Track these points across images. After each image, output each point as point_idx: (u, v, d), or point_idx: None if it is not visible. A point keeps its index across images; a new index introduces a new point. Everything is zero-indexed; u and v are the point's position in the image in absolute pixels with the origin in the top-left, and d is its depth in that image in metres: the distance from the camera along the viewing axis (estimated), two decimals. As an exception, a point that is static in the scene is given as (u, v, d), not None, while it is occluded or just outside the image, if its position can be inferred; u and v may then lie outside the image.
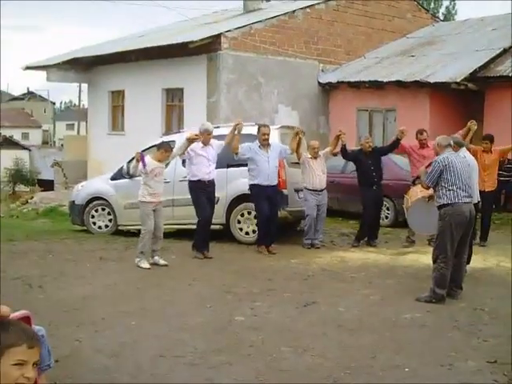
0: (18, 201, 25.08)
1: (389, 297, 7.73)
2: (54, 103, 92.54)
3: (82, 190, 13.47)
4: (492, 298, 7.66)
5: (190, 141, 9.86)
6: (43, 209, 20.26)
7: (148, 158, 9.50)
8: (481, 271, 9.27)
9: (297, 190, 11.62)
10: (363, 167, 11.53)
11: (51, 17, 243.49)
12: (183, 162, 10.95)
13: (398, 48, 21.23)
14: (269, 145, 10.68)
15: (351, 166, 13.72)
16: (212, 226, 10.64)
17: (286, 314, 6.91)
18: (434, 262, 7.49)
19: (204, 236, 10.28)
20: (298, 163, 11.45)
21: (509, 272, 9.07)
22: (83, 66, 22.64)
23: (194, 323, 6.53)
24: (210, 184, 10.29)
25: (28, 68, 23.87)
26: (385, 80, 18.26)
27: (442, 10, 43.90)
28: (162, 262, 9.58)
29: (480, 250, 10.50)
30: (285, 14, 19.70)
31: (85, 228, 13.13)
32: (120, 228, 12.74)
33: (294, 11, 19.87)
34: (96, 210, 12.98)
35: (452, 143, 7.85)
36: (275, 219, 10.72)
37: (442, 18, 37.54)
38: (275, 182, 10.71)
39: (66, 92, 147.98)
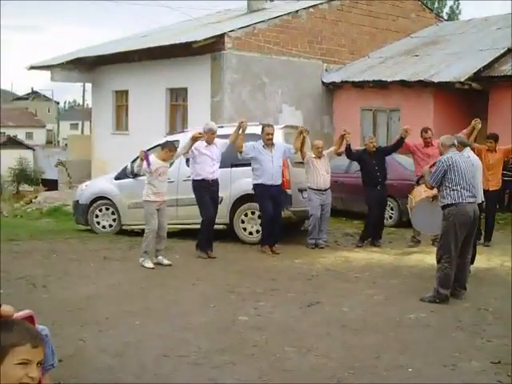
0: (21, 200, 25.14)
1: (393, 297, 7.72)
2: (58, 103, 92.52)
3: (86, 190, 13.47)
4: (496, 298, 7.66)
5: (194, 139, 9.87)
6: (47, 208, 20.31)
7: (152, 157, 9.51)
8: (485, 271, 9.26)
9: (301, 190, 11.61)
10: (367, 167, 11.52)
11: (52, 17, 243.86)
12: (187, 161, 10.96)
13: (402, 48, 21.20)
14: (273, 144, 10.68)
15: (355, 165, 13.70)
16: (216, 226, 10.65)
17: (290, 314, 6.91)
18: (438, 262, 7.48)
19: (208, 236, 10.28)
20: (301, 163, 11.45)
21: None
22: (87, 66, 22.67)
23: (198, 323, 6.53)
24: (214, 183, 10.30)
25: (32, 68, 23.92)
26: (389, 80, 18.25)
27: (446, 9, 43.83)
28: (165, 261, 9.58)
29: (484, 250, 10.48)
30: (288, 13, 19.70)
31: (89, 227, 13.15)
32: (124, 228, 12.75)
33: (297, 11, 19.86)
34: (100, 210, 12.99)
35: (456, 143, 7.84)
36: (279, 219, 10.72)
37: (446, 17, 37.48)
38: (279, 182, 10.71)
39: (70, 92, 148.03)
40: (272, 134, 10.66)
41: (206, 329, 6.34)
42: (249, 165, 10.88)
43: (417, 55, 19.96)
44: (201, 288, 8.17)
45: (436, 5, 42.05)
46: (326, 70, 20.32)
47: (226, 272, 9.17)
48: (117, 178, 12.86)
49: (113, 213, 12.88)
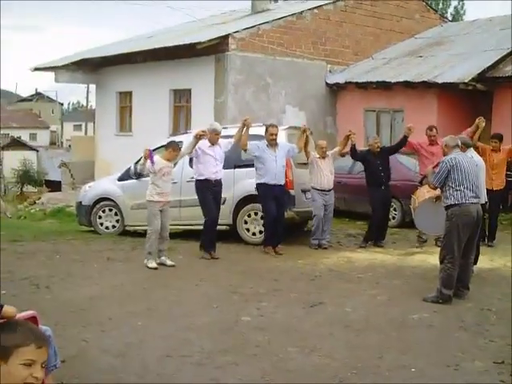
0: (25, 201, 25.22)
1: (396, 297, 7.71)
2: (62, 104, 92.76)
3: (90, 191, 13.49)
4: (499, 298, 7.64)
5: (198, 138, 9.88)
6: (51, 209, 20.33)
7: (156, 158, 9.52)
8: (488, 271, 9.25)
9: (304, 191, 11.62)
10: (372, 167, 11.51)
11: (52, 17, 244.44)
12: (190, 161, 10.97)
13: (406, 48, 21.20)
14: (276, 144, 10.69)
15: (358, 166, 13.71)
16: (219, 227, 10.65)
17: (293, 315, 6.90)
18: (441, 262, 7.47)
19: (211, 236, 10.28)
20: (305, 164, 11.45)
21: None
22: (91, 67, 22.73)
23: (201, 323, 6.53)
24: (217, 183, 10.31)
25: (36, 69, 23.99)
26: (392, 80, 18.25)
27: (451, 10, 43.84)
28: (168, 262, 9.58)
29: (487, 251, 10.48)
30: (293, 14, 19.72)
31: (92, 229, 13.17)
32: (127, 228, 12.77)
33: (301, 12, 19.88)
34: (103, 211, 13.01)
35: (459, 143, 7.84)
36: (282, 219, 10.71)
37: (450, 18, 37.47)
38: (282, 182, 10.70)
39: (74, 93, 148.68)
40: (276, 134, 10.66)
41: (208, 329, 6.34)
42: (252, 166, 10.88)
43: (421, 56, 19.95)
44: (204, 288, 8.17)
45: (440, 5, 42.06)
46: (330, 71, 20.34)
47: (229, 272, 9.17)
48: (120, 179, 12.87)
49: (116, 214, 12.90)
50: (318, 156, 11.30)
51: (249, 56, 18.48)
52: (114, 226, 12.94)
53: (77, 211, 14.13)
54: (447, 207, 7.46)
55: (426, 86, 17.44)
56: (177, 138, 11.46)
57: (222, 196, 10.65)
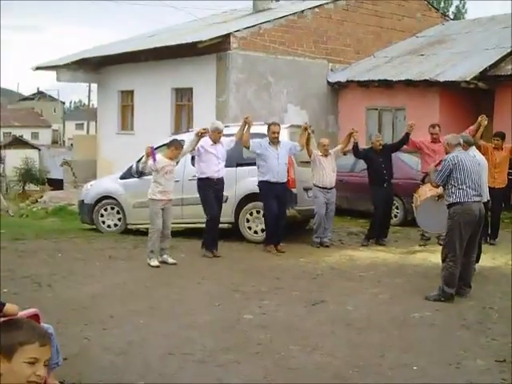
0: (27, 200, 25.21)
1: (397, 295, 7.71)
2: (64, 103, 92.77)
3: (92, 189, 13.50)
4: (501, 296, 7.64)
5: (199, 136, 9.88)
6: (52, 208, 20.35)
7: (159, 156, 9.53)
8: (490, 270, 9.25)
9: (306, 189, 11.62)
10: (374, 165, 11.51)
11: (52, 16, 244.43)
12: (192, 159, 10.97)
13: (408, 47, 21.19)
14: (278, 142, 10.69)
15: (360, 165, 13.70)
16: (221, 225, 10.66)
17: (295, 313, 6.90)
18: (443, 260, 7.46)
19: (213, 234, 10.29)
20: (307, 162, 11.45)
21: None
22: (93, 66, 22.73)
23: (203, 321, 6.53)
24: (219, 182, 10.31)
25: (38, 68, 23.99)
26: (394, 79, 18.24)
27: (452, 8, 43.78)
28: (170, 260, 9.59)
29: (489, 249, 10.46)
30: (294, 13, 19.71)
31: (94, 227, 13.18)
32: (129, 227, 12.78)
33: (303, 11, 19.87)
34: (105, 209, 13.02)
35: (461, 142, 7.83)
36: (284, 217, 10.71)
37: (451, 16, 37.42)
38: (284, 180, 10.70)
39: (76, 92, 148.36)
40: (278, 132, 10.66)
41: (210, 327, 6.34)
42: (254, 164, 10.89)
43: (422, 54, 19.94)
44: (206, 287, 8.18)
45: (442, 4, 42.01)
46: (332, 70, 20.33)
47: (230, 271, 9.17)
48: (122, 178, 12.88)
49: (118, 212, 12.91)
50: (320, 154, 11.30)
51: (250, 55, 18.47)
52: (115, 225, 12.95)
53: (79, 209, 14.14)
54: (449, 205, 7.46)
55: (427, 85, 17.43)
56: (179, 137, 11.46)
57: (224, 194, 10.66)
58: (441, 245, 8.49)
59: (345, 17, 20.70)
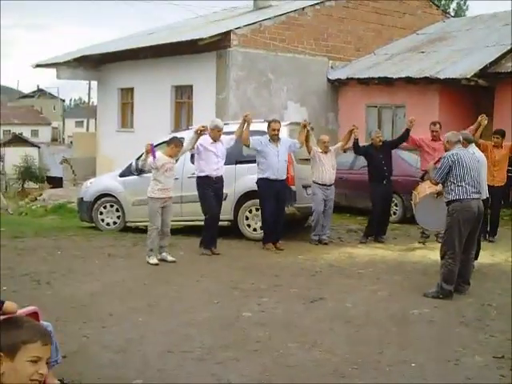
0: (26, 198, 25.24)
1: (396, 293, 7.71)
2: (64, 100, 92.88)
3: (91, 187, 13.50)
4: (500, 293, 7.65)
5: (199, 133, 9.87)
6: (52, 206, 20.35)
7: (158, 153, 9.52)
8: (489, 267, 9.26)
9: (305, 187, 11.62)
10: (374, 161, 11.51)
11: (53, 16, 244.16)
12: (191, 158, 10.97)
13: (408, 44, 21.17)
14: (278, 139, 10.68)
15: (359, 162, 13.72)
16: (220, 223, 10.65)
17: (293, 310, 6.91)
18: (442, 257, 7.47)
19: (212, 232, 10.28)
20: (306, 159, 11.45)
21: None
22: (93, 64, 22.73)
23: (202, 319, 6.53)
24: (218, 180, 10.30)
25: (38, 66, 24.00)
26: (394, 76, 18.22)
27: (453, 6, 43.73)
28: (169, 258, 9.59)
29: (488, 246, 10.48)
30: (294, 11, 19.70)
31: (93, 225, 13.17)
32: (128, 225, 12.78)
33: (303, 8, 19.86)
34: (104, 207, 13.01)
35: (461, 139, 7.83)
36: (282, 214, 10.71)
37: (452, 14, 37.40)
38: (284, 177, 10.70)
39: (76, 89, 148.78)
40: (278, 130, 10.66)
41: (209, 325, 6.34)
42: (253, 161, 10.89)
43: (423, 52, 19.92)
44: (205, 284, 8.18)
45: (443, 1, 41.94)
46: (332, 67, 20.32)
47: (229, 268, 9.18)
48: (121, 175, 12.87)
49: (117, 210, 12.90)
50: (320, 151, 11.29)
51: (250, 52, 18.47)
52: (115, 223, 12.94)
53: (78, 207, 14.13)
54: (448, 203, 7.46)
55: (427, 82, 17.41)
56: (178, 134, 11.46)
57: (224, 192, 10.65)
58: (440, 242, 8.49)
59: (345, 14, 20.68)
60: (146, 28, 33.91)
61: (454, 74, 16.96)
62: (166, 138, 10.78)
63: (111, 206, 12.96)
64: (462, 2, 44.21)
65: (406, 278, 8.57)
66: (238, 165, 11.50)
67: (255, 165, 10.79)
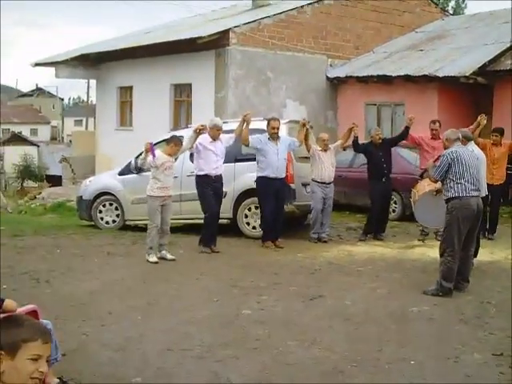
0: (26, 196, 25.24)
1: (395, 290, 7.72)
2: (63, 99, 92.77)
3: (90, 186, 13.50)
4: (499, 291, 7.66)
5: (198, 132, 9.86)
6: (51, 204, 20.34)
7: (158, 152, 9.52)
8: (488, 264, 9.26)
9: (304, 185, 11.62)
10: (374, 159, 11.51)
11: (53, 15, 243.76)
12: (191, 156, 10.97)
13: (407, 42, 21.17)
14: (278, 137, 10.68)
15: (359, 160, 13.73)
16: (219, 221, 10.64)
17: (293, 308, 6.91)
18: (441, 255, 7.47)
19: (211, 231, 10.28)
20: (305, 158, 11.45)
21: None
22: (92, 62, 22.71)
23: (201, 317, 6.53)
24: (217, 179, 10.29)
25: (37, 65, 23.98)
26: (393, 74, 18.21)
27: (452, 3, 43.71)
28: (169, 256, 9.59)
29: (487, 244, 10.49)
30: (294, 9, 19.68)
31: (92, 223, 13.17)
32: (127, 223, 12.78)
33: (302, 6, 19.85)
34: (104, 205, 13.01)
35: (460, 137, 7.83)
36: (282, 213, 10.71)
37: (451, 11, 37.39)
38: (283, 175, 10.70)
39: (75, 88, 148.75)
40: (277, 128, 10.66)
41: (209, 323, 6.35)
42: (252, 160, 10.88)
43: (421, 50, 19.93)
44: (204, 282, 8.18)
45: (441, -1, 41.92)
46: (331, 65, 20.32)
47: (229, 266, 9.18)
48: (121, 174, 12.87)
49: (116, 208, 12.90)
50: (319, 149, 11.28)
51: (249, 50, 18.46)
52: (114, 221, 12.94)
53: (77, 206, 14.14)
54: (447, 200, 7.46)
55: (426, 80, 17.41)
56: (177, 133, 11.46)
57: (223, 190, 10.63)
58: (439, 240, 8.49)
59: (344, 12, 20.66)
60: (145, 26, 33.91)
61: (452, 72, 16.97)
62: (166, 137, 10.77)
63: (110, 205, 12.96)
64: (461, 0, 44.17)
65: (406, 275, 8.57)
66: (237, 163, 11.50)
67: (254, 163, 10.79)
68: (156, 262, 9.29)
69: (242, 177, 11.48)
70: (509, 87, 16.19)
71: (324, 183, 11.21)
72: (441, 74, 17.03)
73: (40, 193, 24.20)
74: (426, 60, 18.63)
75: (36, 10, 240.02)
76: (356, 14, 20.89)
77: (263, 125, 10.92)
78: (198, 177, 10.29)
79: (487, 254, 9.83)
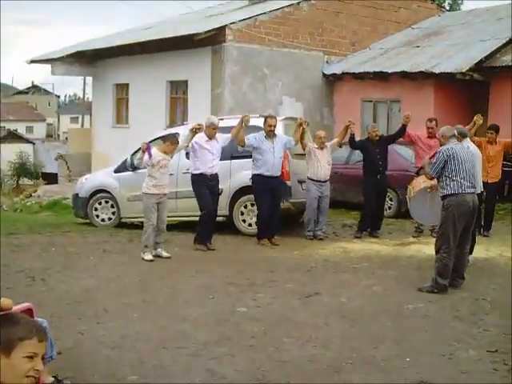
0: (21, 194, 25.20)
1: (391, 287, 7.73)
2: (59, 96, 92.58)
3: (86, 183, 13.49)
4: (494, 288, 7.67)
5: (194, 132, 9.84)
6: (47, 202, 20.34)
7: (154, 150, 9.50)
8: (483, 261, 9.27)
9: (300, 182, 11.61)
10: (370, 155, 11.50)
11: (52, 15, 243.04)
12: (187, 153, 10.95)
13: (404, 39, 21.16)
14: (274, 135, 10.66)
15: (355, 157, 13.73)
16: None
17: (289, 305, 6.91)
18: (437, 252, 7.48)
19: (207, 228, 10.26)
20: (301, 155, 11.43)
21: (511, 262, 9.06)
22: (88, 60, 22.66)
23: (197, 314, 6.54)
24: (213, 178, 10.27)
25: (33, 61, 23.91)
26: (390, 71, 18.20)
27: (448, 0, 43.66)
28: (165, 254, 9.58)
29: (483, 240, 10.48)
30: (290, 5, 19.65)
31: (88, 221, 13.16)
32: (123, 220, 12.77)
33: (299, 3, 19.80)
34: (99, 203, 13.00)
35: (456, 134, 7.84)
36: (278, 210, 10.70)
37: (447, 8, 37.36)
38: (278, 173, 10.69)
39: (71, 85, 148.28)
40: (274, 126, 10.63)
41: (204, 320, 6.35)
42: (248, 157, 10.86)
43: (418, 46, 19.91)
44: (200, 280, 8.17)
45: (438, -5, 41.86)
46: (327, 62, 20.29)
47: (225, 264, 9.17)
48: (116, 171, 12.86)
49: (112, 206, 12.90)
50: (316, 146, 11.26)
51: (246, 47, 18.43)
52: (110, 218, 12.94)
53: (73, 203, 14.12)
54: (443, 197, 7.47)
55: (423, 76, 17.40)
56: (173, 130, 11.45)
57: (219, 187, 10.62)
58: (434, 237, 8.50)
59: (341, 8, 20.63)
60: (141, 23, 33.84)
61: (449, 68, 16.96)
62: (161, 134, 10.76)
63: (106, 202, 12.96)
64: (458, -4, 44.10)
65: (401, 272, 8.58)
66: (233, 160, 11.49)
67: (250, 160, 10.77)
68: (151, 260, 9.29)
69: (238, 174, 11.47)
70: (505, 83, 16.20)
71: (320, 181, 11.20)
72: (437, 71, 17.03)
73: (36, 190, 24.18)
74: (422, 56, 18.62)
75: (36, 9, 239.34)
76: (352, 10, 20.86)
77: (259, 122, 10.89)
78: (194, 175, 10.28)
79: (483, 250, 9.84)
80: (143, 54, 20.34)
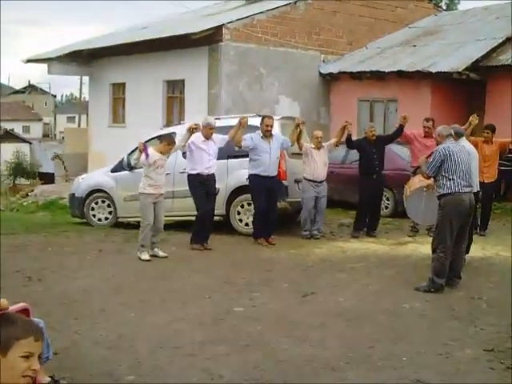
0: (18, 194, 25.15)
1: (388, 287, 7.73)
2: (55, 96, 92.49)
3: (83, 183, 13.47)
4: (490, 287, 7.69)
5: (191, 132, 9.83)
6: (43, 202, 20.29)
7: (151, 150, 9.49)
8: (480, 260, 9.28)
9: (297, 181, 11.59)
10: (367, 155, 11.49)
11: (50, 14, 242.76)
12: (183, 153, 10.94)
13: (400, 38, 21.15)
14: (271, 135, 10.65)
15: (351, 156, 13.71)
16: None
17: (285, 305, 6.92)
18: (434, 251, 7.49)
19: (203, 228, 10.24)
20: (298, 154, 11.42)
21: (508, 261, 9.07)
22: (84, 59, 22.62)
23: (193, 314, 6.54)
24: (209, 178, 10.25)
25: (29, 61, 23.87)
26: (386, 70, 18.21)
27: (445, -1, 43.69)
28: (161, 253, 9.58)
29: (479, 240, 10.49)
30: (287, 4, 19.63)
31: (84, 220, 13.13)
32: (120, 220, 12.75)
33: (296, 2, 19.77)
34: (96, 203, 12.97)
35: (452, 133, 7.84)
36: (274, 210, 10.69)
37: (444, 7, 37.38)
38: (275, 173, 10.68)
39: (68, 85, 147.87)
40: (271, 126, 10.61)
41: (201, 320, 6.35)
42: (245, 156, 10.85)
43: (414, 45, 19.91)
44: (196, 279, 8.18)
45: (434, -5, 41.86)
46: (324, 61, 20.28)
47: (221, 263, 9.18)
48: (113, 171, 12.84)
49: (109, 205, 12.87)
50: (313, 146, 11.25)
51: (242, 46, 18.42)
52: (106, 218, 12.91)
53: (70, 203, 14.09)
54: (440, 196, 7.48)
55: (419, 76, 17.40)
56: (170, 129, 11.42)
57: (216, 186, 10.60)
58: (431, 236, 8.51)
59: (337, 8, 20.61)
60: (138, 22, 33.74)
61: (445, 67, 16.97)
62: (158, 134, 10.74)
63: (103, 202, 12.93)
64: (454, -4, 44.12)
65: (398, 271, 8.58)
66: (229, 159, 11.47)
67: (247, 159, 10.76)
68: (148, 260, 9.28)
69: (235, 173, 11.46)
70: (502, 83, 16.21)
71: (316, 181, 11.19)
72: (434, 70, 17.03)
73: (32, 190, 24.12)
74: (418, 56, 18.62)
75: (36, 9, 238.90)
76: (349, 9, 20.84)
77: (255, 121, 10.87)
78: (190, 176, 10.26)
79: (479, 250, 9.85)
80: (140, 53, 20.31)
